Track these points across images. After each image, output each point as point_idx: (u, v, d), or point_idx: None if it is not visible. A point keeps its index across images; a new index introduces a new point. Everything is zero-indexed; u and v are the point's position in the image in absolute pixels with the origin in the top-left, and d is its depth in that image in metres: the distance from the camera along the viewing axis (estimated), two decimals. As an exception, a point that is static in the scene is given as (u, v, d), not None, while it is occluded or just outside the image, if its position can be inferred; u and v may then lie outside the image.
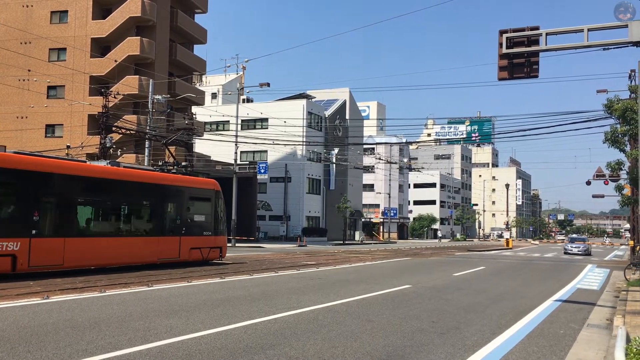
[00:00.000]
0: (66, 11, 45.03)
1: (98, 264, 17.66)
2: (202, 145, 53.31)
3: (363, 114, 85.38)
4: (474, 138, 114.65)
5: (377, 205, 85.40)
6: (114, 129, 33.54)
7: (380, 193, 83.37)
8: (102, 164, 19.16)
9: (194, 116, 51.28)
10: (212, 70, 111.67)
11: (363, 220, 77.46)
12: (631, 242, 25.61)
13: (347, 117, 69.39)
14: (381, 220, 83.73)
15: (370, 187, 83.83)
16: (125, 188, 18.80)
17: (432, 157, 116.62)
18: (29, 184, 15.50)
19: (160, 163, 24.49)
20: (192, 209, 21.57)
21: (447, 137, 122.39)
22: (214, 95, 71.64)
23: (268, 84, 42.60)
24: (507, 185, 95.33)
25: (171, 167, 23.28)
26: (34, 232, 15.33)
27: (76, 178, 16.99)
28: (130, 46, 43.31)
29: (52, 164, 16.56)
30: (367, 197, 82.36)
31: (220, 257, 23.04)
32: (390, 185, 78.85)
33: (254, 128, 58.33)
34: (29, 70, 41.94)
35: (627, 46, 11.36)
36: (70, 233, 16.54)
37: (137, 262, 18.94)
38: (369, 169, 76.02)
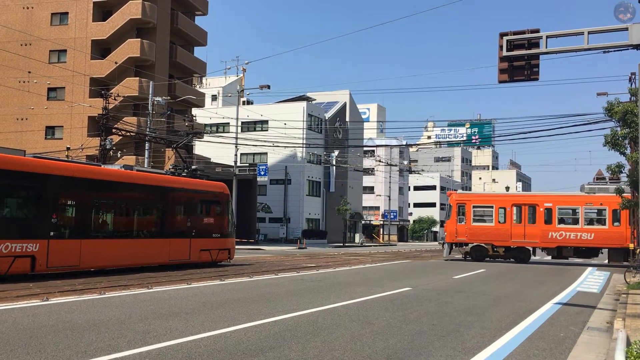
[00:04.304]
0: (66, 13, 45.10)
1: (112, 264, 17.97)
2: (202, 147, 53.33)
3: (363, 116, 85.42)
4: (474, 140, 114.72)
5: (377, 208, 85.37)
6: (114, 130, 33.55)
7: (380, 195, 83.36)
8: (116, 167, 19.69)
9: (194, 118, 51.30)
10: (213, 72, 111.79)
11: (363, 222, 77.44)
12: (631, 245, 25.56)
13: (347, 119, 69.42)
14: (381, 222, 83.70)
15: (370, 190, 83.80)
16: (139, 191, 19.20)
17: (432, 160, 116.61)
18: (48, 187, 15.86)
19: (170, 166, 24.81)
20: (201, 212, 22.02)
21: (447, 139, 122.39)
22: (214, 97, 71.66)
23: (268, 86, 42.66)
24: (507, 188, 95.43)
25: (181, 171, 23.60)
26: (52, 233, 15.65)
27: (92, 181, 17.38)
28: (131, 48, 43.35)
29: (70, 167, 17.01)
30: (367, 200, 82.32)
31: (229, 258, 23.35)
32: (390, 187, 78.80)
33: (254, 130, 58.34)
34: (29, 72, 41.97)
35: (627, 49, 11.36)
36: (86, 235, 16.89)
37: (148, 263, 19.35)
38: (369, 172, 76.05)
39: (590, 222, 30.40)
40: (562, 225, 30.50)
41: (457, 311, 11.66)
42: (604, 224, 29.98)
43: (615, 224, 29.70)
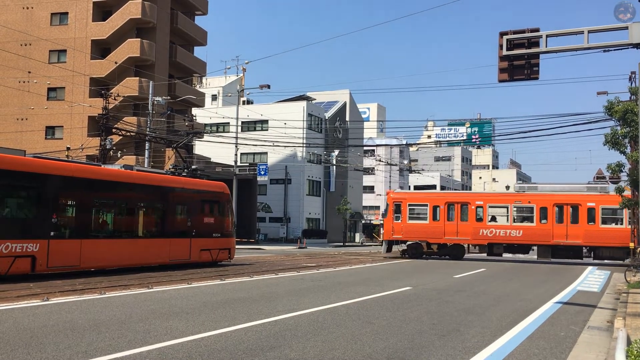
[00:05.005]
0: (66, 13, 45.09)
1: (113, 264, 18.00)
2: (202, 147, 53.32)
3: (363, 116, 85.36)
4: (474, 140, 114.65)
5: (378, 207, 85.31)
6: (114, 130, 33.55)
7: (380, 195, 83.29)
8: (117, 167, 19.76)
9: (194, 118, 51.29)
10: (213, 72, 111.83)
11: (363, 222, 77.41)
12: (632, 244, 25.57)
13: (348, 118, 69.39)
14: (381, 222, 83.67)
15: (370, 189, 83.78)
16: (139, 191, 19.23)
17: (432, 159, 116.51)
18: (48, 187, 15.87)
19: (170, 166, 24.87)
20: (202, 211, 22.03)
21: (447, 139, 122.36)
22: (214, 97, 71.62)
23: (268, 86, 42.66)
24: (508, 187, 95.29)
25: (181, 170, 23.63)
26: (52, 233, 15.68)
27: (92, 181, 17.41)
28: (131, 48, 43.34)
29: (70, 167, 17.04)
30: (368, 199, 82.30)
31: (229, 258, 23.38)
32: (390, 187, 78.80)
33: (254, 130, 58.30)
34: (29, 72, 41.95)
35: (628, 48, 11.36)
36: (86, 235, 16.93)
37: (149, 263, 19.37)
38: (369, 171, 76.01)
39: (519, 219, 30.97)
40: (492, 223, 31.14)
41: (458, 310, 11.67)
42: (532, 222, 30.57)
43: (543, 221, 30.35)
